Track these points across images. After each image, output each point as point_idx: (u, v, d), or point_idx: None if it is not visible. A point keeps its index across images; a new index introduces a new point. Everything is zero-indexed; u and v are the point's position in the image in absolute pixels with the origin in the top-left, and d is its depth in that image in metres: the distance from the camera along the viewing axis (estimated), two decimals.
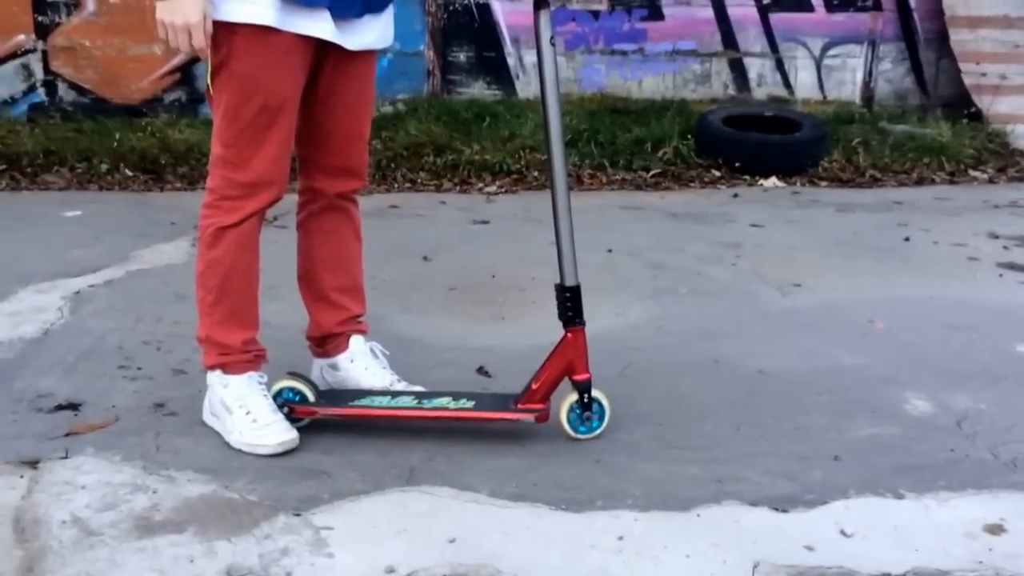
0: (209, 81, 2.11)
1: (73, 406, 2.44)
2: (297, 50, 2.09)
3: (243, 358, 2.28)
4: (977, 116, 5.86)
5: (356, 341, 2.46)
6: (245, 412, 2.23)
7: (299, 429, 2.25)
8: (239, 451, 2.20)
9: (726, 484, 2.08)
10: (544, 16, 2.12)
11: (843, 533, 1.91)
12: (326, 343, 2.46)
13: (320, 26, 2.08)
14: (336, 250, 2.41)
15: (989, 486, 2.08)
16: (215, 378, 2.28)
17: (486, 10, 5.90)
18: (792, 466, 2.17)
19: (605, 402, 2.28)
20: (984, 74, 5.87)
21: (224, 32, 2.03)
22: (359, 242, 2.47)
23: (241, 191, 2.15)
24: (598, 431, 2.28)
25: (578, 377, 2.25)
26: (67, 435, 2.29)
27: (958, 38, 5.88)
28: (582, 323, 2.25)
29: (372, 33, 2.20)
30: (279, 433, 2.21)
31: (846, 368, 2.72)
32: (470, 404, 2.28)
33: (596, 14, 5.94)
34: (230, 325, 2.26)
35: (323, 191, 2.35)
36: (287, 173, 2.20)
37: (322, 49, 2.15)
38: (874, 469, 2.15)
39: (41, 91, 5.67)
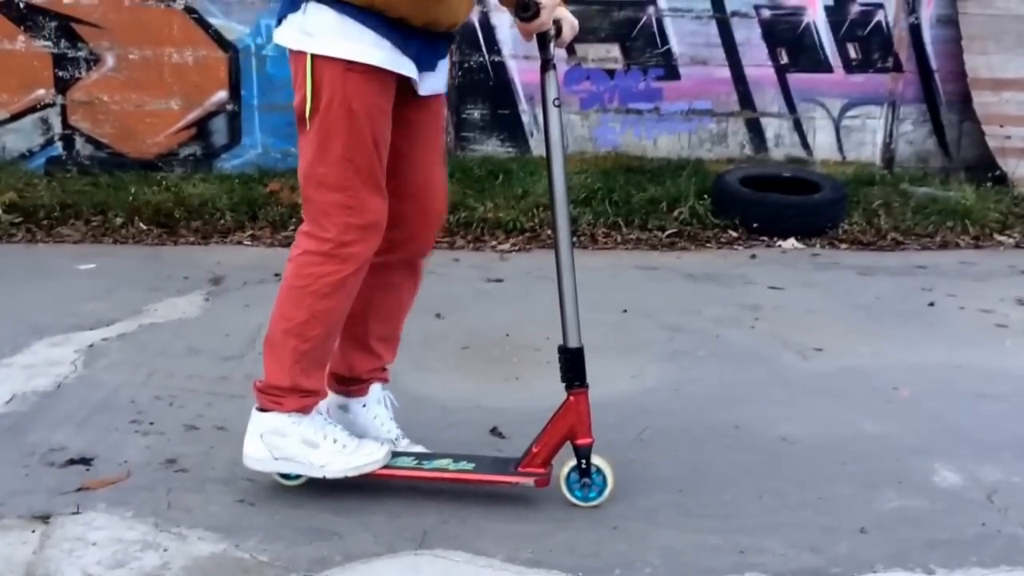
0: (308, 116, 2.06)
1: (85, 461, 2.42)
2: (392, 91, 2.11)
3: (319, 398, 2.25)
4: (1002, 179, 5.81)
5: (375, 389, 2.44)
6: (332, 441, 2.20)
7: (305, 486, 2.21)
8: (251, 508, 2.17)
9: (748, 555, 2.03)
10: (550, 78, 2.16)
11: None
12: (350, 384, 2.43)
13: (409, 68, 2.11)
14: (392, 303, 2.39)
15: (1023, 563, 2.01)
16: (283, 420, 2.19)
17: (501, 68, 5.95)
18: (817, 538, 2.11)
19: (607, 471, 2.22)
20: (1008, 137, 5.83)
21: (339, 70, 2.03)
22: (413, 296, 2.45)
23: (358, 235, 2.11)
24: (596, 502, 2.22)
25: (580, 442, 2.21)
26: (79, 490, 2.27)
27: (981, 100, 5.86)
28: (585, 386, 2.22)
29: (436, 80, 2.24)
30: (374, 448, 2.22)
31: (871, 437, 2.66)
32: (470, 466, 2.25)
33: (611, 72, 5.98)
34: (315, 370, 2.21)
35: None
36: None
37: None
38: (902, 543, 2.09)
39: (59, 144, 5.73)
